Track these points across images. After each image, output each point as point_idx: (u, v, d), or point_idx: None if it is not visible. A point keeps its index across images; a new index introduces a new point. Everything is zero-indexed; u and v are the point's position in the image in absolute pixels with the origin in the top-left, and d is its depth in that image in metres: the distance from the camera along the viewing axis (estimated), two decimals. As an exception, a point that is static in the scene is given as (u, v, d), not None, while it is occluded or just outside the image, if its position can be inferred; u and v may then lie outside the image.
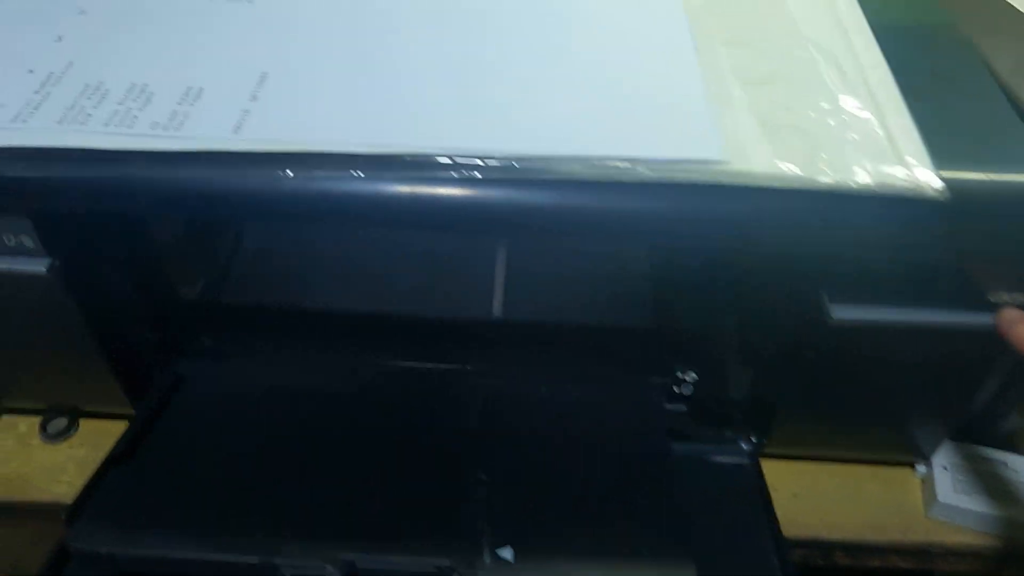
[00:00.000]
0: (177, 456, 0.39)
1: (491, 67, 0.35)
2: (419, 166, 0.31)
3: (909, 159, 0.32)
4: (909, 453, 0.42)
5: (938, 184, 0.30)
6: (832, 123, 0.33)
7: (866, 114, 0.34)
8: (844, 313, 0.33)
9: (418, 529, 0.35)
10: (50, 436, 0.43)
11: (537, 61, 0.36)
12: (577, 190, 0.31)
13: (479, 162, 0.31)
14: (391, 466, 0.38)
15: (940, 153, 0.31)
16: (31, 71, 0.34)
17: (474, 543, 0.34)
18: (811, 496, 0.42)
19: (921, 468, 0.43)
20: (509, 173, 0.31)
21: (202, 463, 0.39)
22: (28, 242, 0.34)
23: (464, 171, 0.31)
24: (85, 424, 0.44)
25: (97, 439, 0.44)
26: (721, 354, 0.40)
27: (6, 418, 0.45)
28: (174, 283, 0.42)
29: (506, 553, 0.34)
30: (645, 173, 0.31)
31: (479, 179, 0.30)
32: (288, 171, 0.30)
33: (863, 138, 0.32)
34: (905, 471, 0.44)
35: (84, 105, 0.33)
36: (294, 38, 0.37)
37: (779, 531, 0.37)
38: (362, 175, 0.30)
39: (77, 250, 0.35)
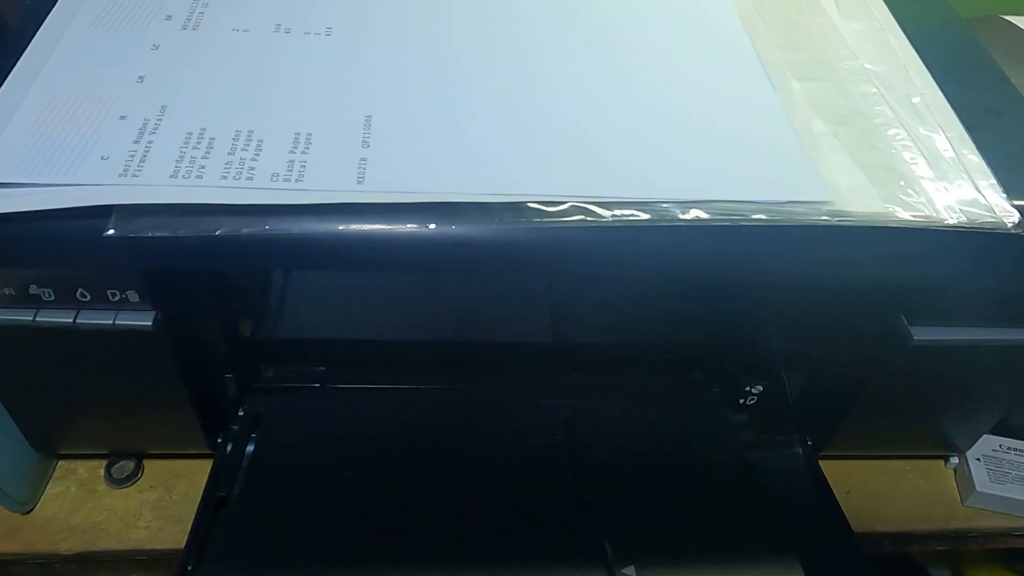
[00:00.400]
0: (275, 492, 0.39)
1: (585, 111, 0.36)
2: (547, 213, 0.32)
3: (988, 193, 0.35)
4: (948, 448, 0.46)
5: (1016, 217, 0.34)
6: (913, 159, 0.36)
7: (943, 149, 0.36)
8: (924, 335, 0.36)
9: (536, 555, 0.36)
10: (117, 480, 0.42)
11: (626, 104, 0.36)
12: (702, 234, 0.32)
13: (605, 209, 0.32)
14: (491, 491, 0.39)
15: (1008, 185, 0.35)
16: (123, 117, 0.33)
17: (596, 565, 0.36)
18: (862, 493, 0.46)
19: (953, 459, 0.47)
20: (634, 219, 0.32)
21: (302, 497, 0.39)
22: (133, 297, 0.33)
23: (592, 217, 0.32)
24: (150, 465, 0.43)
25: (167, 480, 0.43)
26: (789, 368, 0.43)
27: (63, 464, 0.43)
28: (250, 322, 0.41)
29: (630, 572, 0.35)
30: (760, 217, 0.32)
31: (608, 224, 0.32)
32: (431, 224, 0.30)
33: (944, 173, 0.35)
34: (937, 463, 0.48)
35: (194, 156, 0.32)
36: (383, 73, 0.37)
37: (850, 529, 0.41)
38: (496, 223, 0.31)
39: (179, 301, 0.34)
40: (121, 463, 0.43)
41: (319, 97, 0.35)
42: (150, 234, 0.29)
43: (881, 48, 0.42)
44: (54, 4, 0.40)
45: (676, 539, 0.38)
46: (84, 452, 0.43)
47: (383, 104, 0.35)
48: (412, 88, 0.36)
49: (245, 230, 0.30)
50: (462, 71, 0.37)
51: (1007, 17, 0.52)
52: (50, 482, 0.42)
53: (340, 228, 0.30)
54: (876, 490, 0.46)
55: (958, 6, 0.48)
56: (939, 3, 0.48)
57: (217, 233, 0.30)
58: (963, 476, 0.46)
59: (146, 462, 0.43)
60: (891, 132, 0.37)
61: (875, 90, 0.39)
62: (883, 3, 0.45)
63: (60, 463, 0.43)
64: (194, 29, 0.38)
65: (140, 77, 0.35)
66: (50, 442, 0.41)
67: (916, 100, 0.39)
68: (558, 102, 0.36)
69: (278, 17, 0.39)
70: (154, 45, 0.37)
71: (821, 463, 0.45)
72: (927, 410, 0.43)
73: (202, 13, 0.39)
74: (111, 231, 0.29)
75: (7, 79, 0.34)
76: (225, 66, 0.36)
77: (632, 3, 0.43)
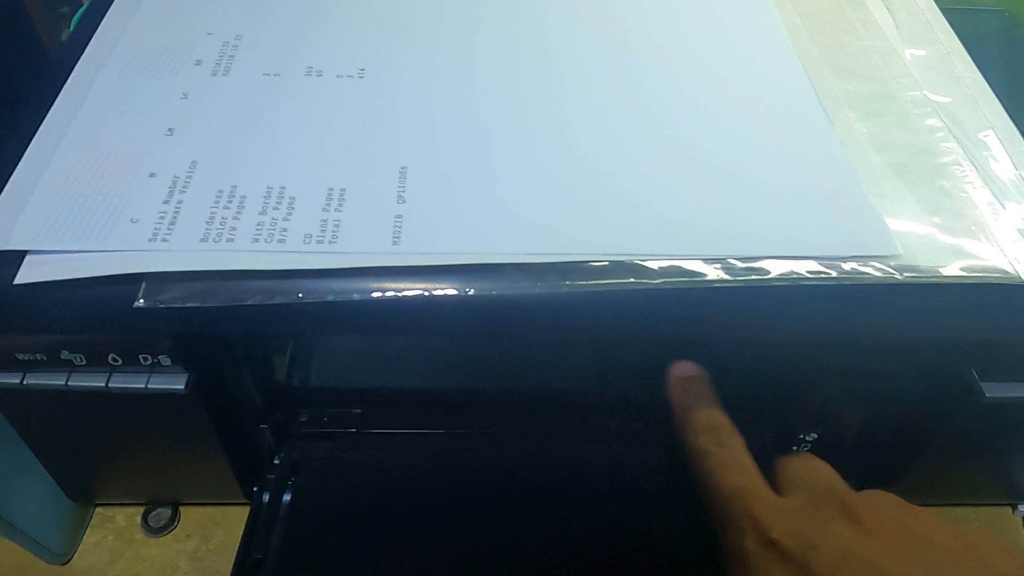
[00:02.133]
0: (312, 544, 0.38)
1: (629, 160, 0.34)
2: (592, 274, 0.30)
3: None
4: (1017, 496, 0.44)
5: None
6: (984, 202, 0.33)
7: (1017, 190, 0.34)
8: (997, 391, 0.34)
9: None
10: (153, 530, 0.42)
11: (671, 152, 0.34)
12: (757, 296, 0.30)
13: (653, 268, 0.30)
14: (534, 539, 0.38)
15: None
16: (152, 175, 0.32)
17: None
18: (923, 543, 0.43)
19: (1021, 508, 0.45)
20: (682, 281, 0.30)
21: (340, 549, 0.38)
22: (165, 360, 0.32)
23: (640, 277, 0.30)
24: (186, 512, 0.43)
25: (204, 528, 0.42)
26: (848, 418, 0.40)
27: (100, 511, 0.43)
28: (284, 373, 0.40)
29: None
30: (821, 276, 0.30)
31: (657, 287, 0.30)
32: (470, 289, 0.29)
33: (1018, 218, 0.32)
34: (1004, 511, 0.45)
35: (224, 217, 0.30)
36: (418, 119, 0.35)
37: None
38: (539, 286, 0.29)
39: (212, 362, 0.33)
40: (158, 511, 0.42)
41: (353, 147, 0.34)
42: (180, 304, 0.28)
43: (946, 75, 0.40)
44: (93, 36, 0.39)
45: None
46: (120, 503, 0.42)
47: (418, 154, 0.33)
48: (447, 136, 0.34)
49: (278, 298, 0.29)
50: (498, 116, 0.35)
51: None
52: (87, 530, 0.42)
53: (375, 295, 0.29)
54: (938, 540, 0.44)
55: (1027, 22, 0.46)
56: (1009, 21, 0.45)
57: (249, 303, 0.29)
58: (1033, 526, 0.43)
59: (183, 509, 0.43)
60: (959, 172, 0.35)
61: (941, 124, 0.37)
62: (947, 24, 0.43)
63: (98, 510, 0.43)
64: (224, 75, 0.37)
65: (170, 130, 0.34)
66: (86, 493, 0.41)
67: (986, 135, 0.36)
68: (600, 151, 0.34)
69: (310, 59, 0.38)
70: (184, 94, 0.36)
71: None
72: (996, 461, 0.40)
73: (232, 57, 0.38)
74: (141, 302, 0.28)
75: (37, 133, 0.34)
76: (256, 115, 0.35)
77: (672, 34, 0.41)
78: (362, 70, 0.37)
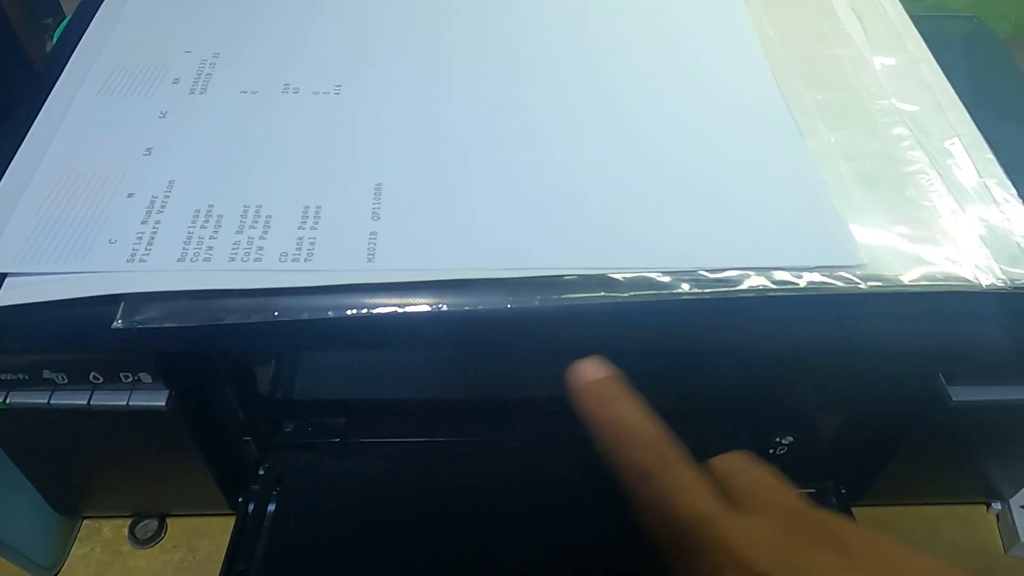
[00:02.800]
0: (297, 554, 0.38)
1: (600, 176, 0.34)
2: (563, 288, 0.30)
3: (1032, 253, 0.33)
4: (991, 495, 0.44)
5: (1062, 278, 0.32)
6: (949, 211, 0.34)
7: (982, 199, 0.34)
8: (964, 395, 0.35)
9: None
10: (141, 541, 0.42)
11: (642, 165, 0.35)
12: (725, 305, 0.31)
13: (623, 282, 0.31)
14: (520, 545, 0.39)
15: (1053, 239, 0.33)
16: (131, 195, 0.32)
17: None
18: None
19: (995, 505, 0.45)
20: (653, 293, 0.31)
21: (326, 558, 0.38)
22: (146, 378, 0.32)
23: (611, 291, 0.30)
24: (173, 523, 0.43)
25: (190, 539, 0.43)
26: (822, 422, 0.41)
27: (88, 523, 0.43)
28: (266, 385, 0.40)
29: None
30: (787, 285, 0.31)
31: (627, 300, 0.30)
32: (443, 305, 0.29)
33: (987, 232, 0.33)
34: (979, 508, 0.46)
35: (202, 236, 0.31)
36: (394, 135, 0.36)
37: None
38: (511, 301, 0.30)
39: (193, 379, 0.34)
40: (144, 523, 0.43)
41: (329, 164, 0.34)
42: (158, 325, 0.29)
43: (915, 83, 0.40)
44: (74, 51, 0.40)
45: None
46: (107, 515, 0.43)
47: (393, 170, 0.34)
48: (422, 152, 0.35)
49: (254, 317, 0.29)
50: (472, 133, 0.36)
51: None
52: (76, 543, 0.42)
53: (350, 312, 0.29)
54: (913, 540, 0.44)
55: (997, 27, 0.46)
56: (978, 27, 0.45)
57: (225, 321, 0.29)
58: (1006, 525, 0.44)
59: (169, 520, 0.43)
60: (925, 181, 0.35)
61: (908, 132, 0.37)
62: (916, 31, 0.43)
63: (85, 522, 0.43)
64: (202, 93, 0.37)
65: (148, 149, 0.34)
66: (73, 507, 0.42)
67: (952, 143, 0.37)
68: (571, 166, 0.35)
69: (287, 76, 0.38)
70: (162, 112, 0.36)
71: (856, 510, 0.44)
72: (968, 462, 0.41)
73: (209, 75, 0.38)
74: (119, 323, 0.29)
75: (16, 154, 0.34)
76: (233, 132, 0.35)
77: (643, 46, 0.41)
78: (338, 86, 0.38)
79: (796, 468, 0.42)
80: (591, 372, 0.26)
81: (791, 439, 0.42)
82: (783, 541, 0.21)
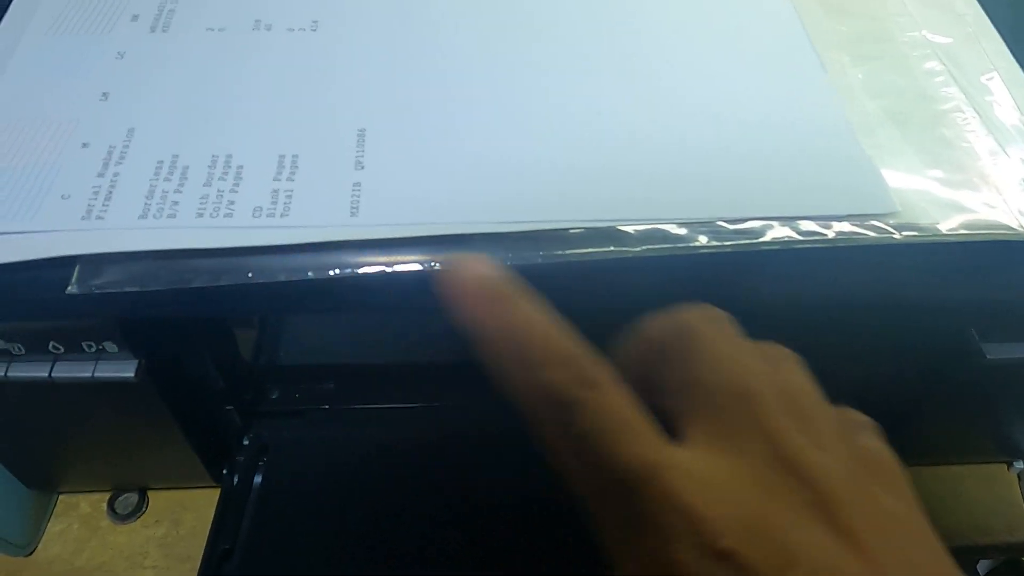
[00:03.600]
0: (284, 529, 0.36)
1: (608, 116, 0.31)
2: (568, 242, 0.28)
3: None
4: (1013, 453, 0.42)
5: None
6: (988, 152, 0.31)
7: (1021, 145, 0.31)
8: (998, 352, 0.32)
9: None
10: (121, 516, 0.40)
11: (651, 106, 0.31)
12: (741, 258, 0.28)
13: (634, 236, 0.28)
14: (511, 512, 0.37)
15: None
16: (85, 145, 0.29)
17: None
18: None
19: (1017, 464, 0.43)
20: (666, 247, 0.28)
21: (313, 531, 0.37)
22: (111, 347, 0.30)
23: (620, 245, 0.28)
24: (154, 497, 0.41)
25: (174, 513, 0.40)
26: (840, 378, 0.39)
27: (64, 498, 0.41)
28: (248, 350, 0.38)
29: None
30: (813, 236, 0.28)
31: (639, 255, 0.27)
32: (435, 263, 0.26)
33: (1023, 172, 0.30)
34: (1000, 467, 0.44)
35: (166, 190, 0.28)
36: (378, 75, 0.32)
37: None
38: (511, 257, 0.27)
39: (164, 346, 0.31)
40: (124, 496, 0.40)
41: (306, 108, 0.31)
42: (118, 289, 0.26)
43: (946, 13, 0.37)
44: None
45: None
46: (85, 489, 0.41)
47: (378, 115, 0.31)
48: (410, 94, 0.31)
49: (225, 279, 0.26)
50: (466, 71, 0.32)
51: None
52: (51, 519, 0.40)
53: (332, 272, 0.27)
54: (932, 500, 0.42)
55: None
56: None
57: (193, 285, 0.26)
58: (1029, 482, 0.42)
59: (151, 494, 0.41)
60: (961, 119, 0.32)
61: (941, 67, 0.34)
62: (947, -43, 0.40)
63: (61, 497, 0.41)
64: (164, 31, 0.34)
65: (104, 94, 0.31)
66: (45, 481, 0.39)
67: (990, 78, 0.34)
68: (576, 107, 0.31)
69: (258, 10, 0.35)
70: (119, 53, 0.33)
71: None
72: (994, 421, 0.39)
73: (172, 11, 0.34)
74: (73, 288, 0.26)
75: (-42, 101, 0.31)
76: (199, 75, 0.32)
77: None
78: (315, 22, 0.34)
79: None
80: (475, 268, 0.19)
81: (807, 399, 0.40)
82: (757, 503, 0.16)
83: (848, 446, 0.18)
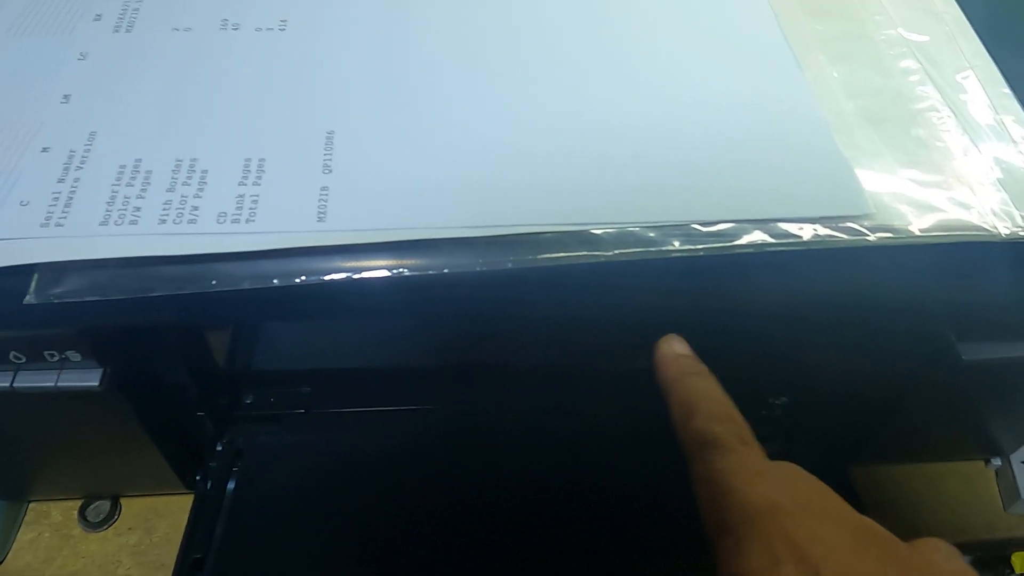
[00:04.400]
0: (258, 539, 0.36)
1: (581, 116, 0.31)
2: (541, 247, 0.27)
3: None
4: (991, 451, 0.43)
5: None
6: (963, 152, 0.31)
7: (998, 138, 0.31)
8: (975, 353, 0.32)
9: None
10: (92, 524, 0.39)
11: (627, 106, 0.31)
12: (718, 261, 0.28)
13: (606, 240, 0.27)
14: (490, 516, 0.36)
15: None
16: (45, 149, 0.28)
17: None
18: (896, 503, 0.42)
19: (995, 461, 0.44)
20: (639, 252, 0.27)
21: (293, 532, 0.36)
22: (75, 356, 0.29)
23: (593, 250, 0.27)
24: (127, 504, 0.40)
25: (147, 520, 0.40)
26: (819, 381, 0.39)
27: (34, 506, 0.40)
28: (219, 356, 0.37)
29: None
30: (802, 237, 0.28)
31: (611, 259, 0.27)
32: (403, 269, 0.26)
33: (1005, 174, 0.30)
34: (978, 464, 0.44)
35: (128, 196, 0.27)
36: (347, 76, 0.32)
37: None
38: (481, 263, 0.27)
39: (129, 354, 0.30)
40: (96, 504, 0.40)
41: (273, 111, 0.30)
42: (78, 299, 0.25)
43: (923, 11, 0.37)
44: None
45: (692, 555, 0.35)
46: (56, 497, 0.40)
47: (346, 117, 0.30)
48: (378, 96, 0.31)
49: (188, 287, 0.26)
50: (438, 72, 0.32)
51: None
52: (22, 527, 0.39)
53: (299, 279, 0.26)
54: (912, 498, 0.43)
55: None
56: (989, -52, 0.42)
57: (156, 293, 0.26)
58: (1006, 480, 0.42)
59: (123, 501, 0.40)
60: (936, 119, 0.32)
61: (917, 65, 0.34)
62: (924, -46, 0.39)
63: (32, 505, 0.40)
64: (127, 31, 0.33)
65: (65, 96, 0.30)
66: (15, 491, 0.38)
67: (965, 76, 0.34)
68: (547, 104, 0.31)
69: (225, 10, 0.34)
70: (81, 54, 0.32)
71: (856, 469, 0.42)
72: (971, 419, 0.39)
73: (136, 10, 0.34)
74: (31, 297, 0.25)
75: (-86, 104, 0.30)
76: (163, 77, 0.31)
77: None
78: (284, 21, 0.34)
79: (797, 427, 0.41)
80: (677, 346, 0.27)
81: (785, 400, 0.40)
82: (850, 552, 0.20)
83: None
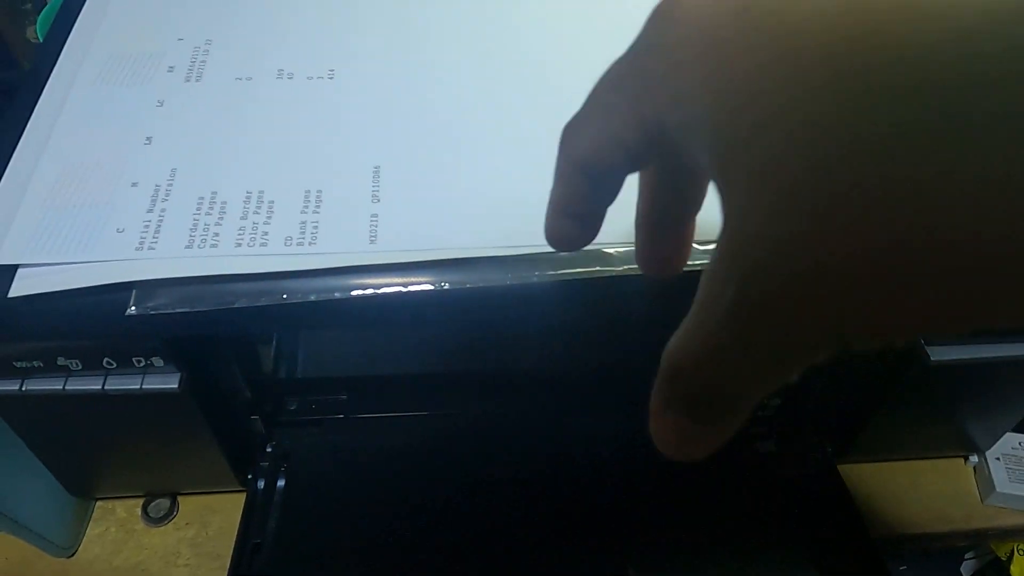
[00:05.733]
0: (308, 527, 0.40)
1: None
2: (561, 263, 0.32)
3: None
4: (968, 448, 0.47)
5: None
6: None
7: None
8: (941, 355, 0.36)
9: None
10: (154, 520, 0.43)
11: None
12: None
13: (619, 256, 0.32)
14: (520, 515, 0.41)
15: None
16: (134, 184, 0.33)
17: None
18: (882, 496, 0.46)
19: (973, 458, 0.48)
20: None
21: (335, 529, 0.40)
22: (158, 362, 0.33)
23: (606, 265, 0.32)
24: (184, 501, 0.45)
25: (202, 516, 0.44)
26: (807, 383, 0.43)
27: (101, 504, 0.44)
28: (272, 363, 0.42)
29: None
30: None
31: (623, 273, 0.32)
32: (444, 283, 0.31)
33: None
34: (957, 461, 0.48)
35: (207, 223, 0.32)
36: (389, 118, 0.36)
37: (867, 533, 0.41)
38: (511, 278, 0.31)
39: (203, 361, 0.35)
40: (157, 501, 0.44)
41: (327, 148, 0.35)
42: (170, 310, 0.30)
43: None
44: (66, 41, 0.40)
45: (694, 549, 0.39)
46: (120, 496, 0.44)
47: (390, 153, 0.35)
48: (417, 133, 0.36)
49: (263, 300, 0.30)
50: (467, 112, 0.37)
51: None
52: (90, 523, 0.44)
53: (355, 292, 0.31)
54: (895, 492, 0.47)
55: None
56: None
57: (236, 305, 0.30)
58: (983, 475, 0.46)
59: (181, 499, 0.44)
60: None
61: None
62: None
63: (98, 503, 0.45)
64: (197, 80, 0.38)
65: (148, 138, 0.35)
66: (86, 488, 0.43)
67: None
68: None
69: (280, 61, 0.39)
70: (159, 101, 0.37)
71: (840, 467, 0.46)
72: (947, 418, 0.43)
73: (204, 62, 0.39)
74: (132, 309, 0.30)
75: (17, 146, 0.35)
76: (231, 119, 0.36)
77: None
78: (332, 71, 0.39)
79: (784, 428, 0.45)
80: None
81: (778, 402, 0.44)
82: None
83: None
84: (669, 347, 0.16)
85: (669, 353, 0.16)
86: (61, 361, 0.33)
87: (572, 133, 0.21)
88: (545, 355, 0.43)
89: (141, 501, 0.44)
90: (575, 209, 0.22)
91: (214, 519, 0.44)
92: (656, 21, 0.17)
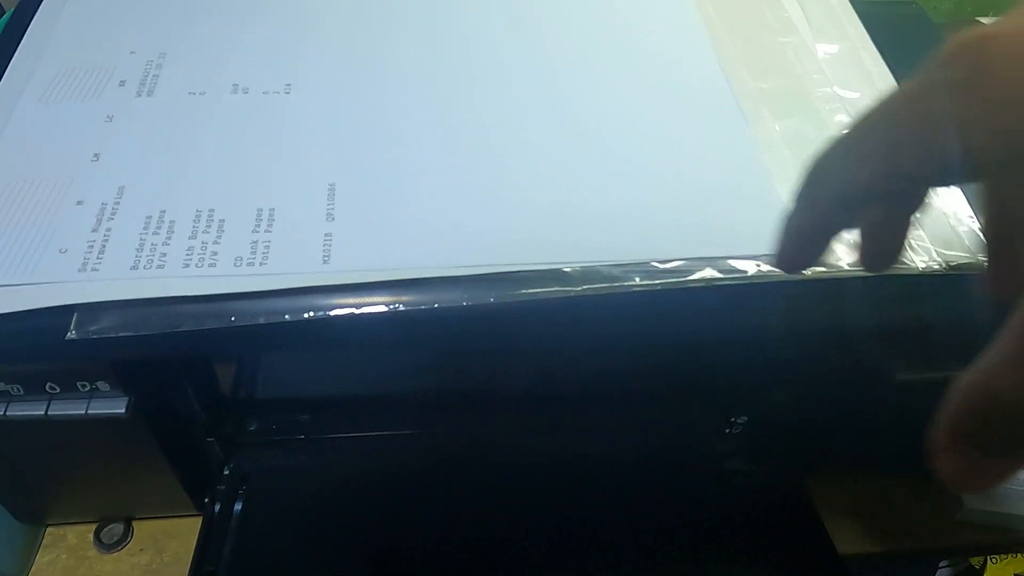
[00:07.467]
0: (266, 553, 0.39)
1: (554, 169, 0.35)
2: (518, 283, 0.31)
3: (967, 234, 0.34)
4: (935, 464, 0.46)
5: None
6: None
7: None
8: (908, 374, 0.36)
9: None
10: (107, 546, 0.42)
11: (596, 159, 0.35)
12: (675, 296, 0.31)
13: (576, 275, 0.31)
14: (487, 534, 0.40)
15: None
16: (79, 202, 0.32)
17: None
18: (850, 511, 0.46)
19: (941, 473, 0.47)
20: (605, 286, 0.31)
21: (298, 550, 0.39)
22: (104, 386, 0.32)
23: (563, 285, 0.31)
24: (139, 526, 0.43)
25: (158, 541, 0.43)
26: (775, 401, 0.42)
27: (51, 530, 0.43)
28: (228, 385, 0.41)
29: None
30: (747, 272, 0.32)
31: (580, 294, 0.31)
32: (399, 305, 0.30)
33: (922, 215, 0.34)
34: (926, 478, 0.48)
35: (154, 243, 0.31)
36: (345, 134, 0.36)
37: (835, 550, 0.41)
38: (466, 298, 0.30)
39: (152, 384, 0.34)
40: (110, 527, 0.42)
41: (281, 165, 0.34)
42: (113, 335, 0.29)
43: (855, 70, 0.41)
44: (9, 63, 0.39)
45: (663, 567, 0.38)
46: (72, 521, 0.43)
47: (345, 171, 0.34)
48: (373, 152, 0.35)
49: (210, 323, 0.29)
50: (424, 130, 0.36)
51: (981, 20, 0.51)
52: (40, 550, 0.42)
53: (307, 315, 0.30)
54: (865, 507, 0.46)
55: (933, 12, 0.47)
56: (915, 13, 0.47)
57: (181, 328, 0.29)
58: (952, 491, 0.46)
59: (135, 523, 0.43)
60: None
61: (850, 119, 0.38)
62: (857, 18, 0.44)
63: (49, 529, 0.43)
64: (149, 95, 0.37)
65: (95, 155, 0.34)
66: (35, 515, 0.41)
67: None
68: (518, 160, 0.35)
69: (235, 75, 0.38)
70: (108, 116, 0.36)
71: (808, 484, 0.45)
72: (915, 434, 0.42)
73: (156, 76, 0.38)
74: (73, 334, 0.29)
75: (-41, 163, 0.34)
76: (183, 136, 0.35)
77: (587, 34, 0.42)
78: (288, 85, 0.38)
79: (753, 445, 0.44)
80: None
81: (745, 418, 0.44)
82: None
83: None
84: (971, 380, 0.17)
85: (974, 385, 0.17)
86: (1, 386, 0.32)
87: (838, 167, 0.23)
88: (506, 375, 0.42)
89: (93, 527, 0.43)
90: (824, 237, 0.24)
91: (170, 544, 0.43)
92: (963, 56, 0.18)
